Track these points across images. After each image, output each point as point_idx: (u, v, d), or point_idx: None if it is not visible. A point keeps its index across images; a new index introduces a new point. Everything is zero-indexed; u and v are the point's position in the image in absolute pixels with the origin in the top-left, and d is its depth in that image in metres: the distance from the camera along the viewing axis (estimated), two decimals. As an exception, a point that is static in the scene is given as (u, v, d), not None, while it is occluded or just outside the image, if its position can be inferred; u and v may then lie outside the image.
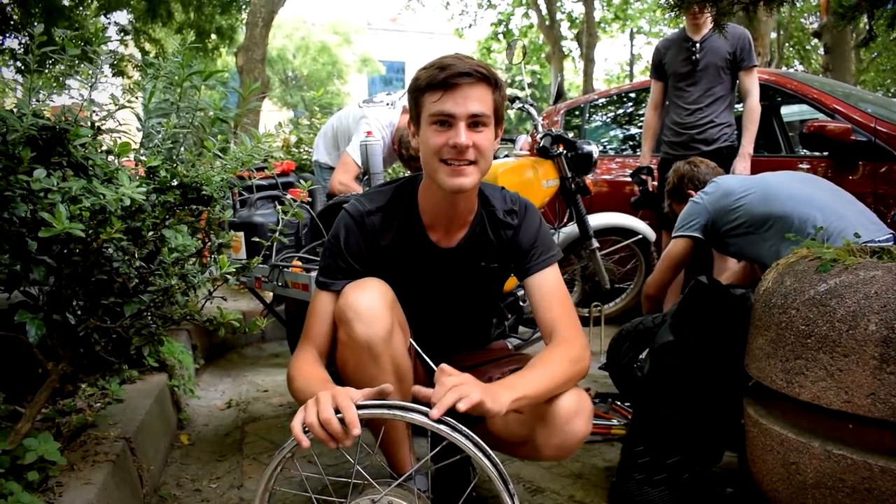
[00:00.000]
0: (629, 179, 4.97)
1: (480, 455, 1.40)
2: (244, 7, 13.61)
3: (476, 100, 1.74)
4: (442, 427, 1.40)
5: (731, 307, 2.11)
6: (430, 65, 1.79)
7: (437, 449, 1.48)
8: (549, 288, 1.95)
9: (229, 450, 2.79)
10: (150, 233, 1.96)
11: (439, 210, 1.94)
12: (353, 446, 1.42)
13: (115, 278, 1.93)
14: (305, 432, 1.39)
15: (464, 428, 1.42)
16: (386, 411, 1.43)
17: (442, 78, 1.73)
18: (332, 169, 4.80)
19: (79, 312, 1.99)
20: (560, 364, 1.76)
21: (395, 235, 1.96)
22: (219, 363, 4.30)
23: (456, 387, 1.45)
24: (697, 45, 4.42)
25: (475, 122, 1.75)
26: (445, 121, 1.75)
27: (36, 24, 1.85)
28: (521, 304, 3.34)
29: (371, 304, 1.79)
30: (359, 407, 1.40)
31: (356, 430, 1.36)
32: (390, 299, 1.85)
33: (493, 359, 2.18)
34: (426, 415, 1.41)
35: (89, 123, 1.86)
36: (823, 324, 1.59)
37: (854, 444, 1.56)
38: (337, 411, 1.39)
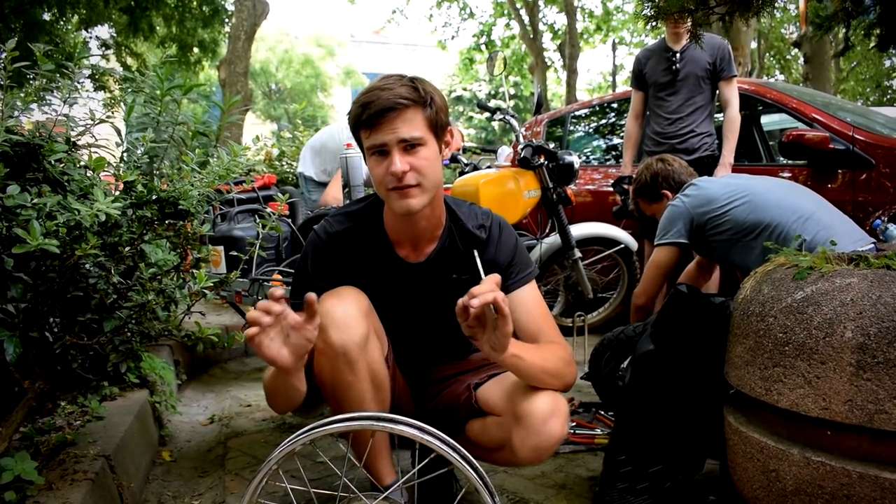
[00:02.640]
0: (611, 189, 4.99)
1: (465, 464, 1.41)
2: (226, 20, 13.60)
3: (404, 124, 1.75)
4: (428, 437, 1.41)
5: (710, 316, 2.11)
6: (357, 101, 1.80)
7: (424, 462, 1.48)
8: (529, 305, 1.97)
9: (211, 466, 2.76)
10: (128, 248, 1.95)
11: (402, 229, 1.96)
12: (340, 459, 1.43)
13: (91, 294, 1.92)
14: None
15: (448, 438, 1.42)
16: (367, 423, 1.43)
17: (365, 117, 1.75)
18: (316, 182, 4.81)
19: (55, 329, 1.97)
20: (553, 356, 1.83)
21: (363, 254, 1.97)
22: (202, 378, 4.27)
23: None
24: (678, 54, 4.45)
25: (409, 144, 1.77)
26: (381, 150, 1.77)
27: (16, 38, 1.83)
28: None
29: (346, 311, 1.80)
30: (342, 420, 1.43)
31: (278, 290, 1.46)
32: (366, 307, 1.86)
33: (473, 367, 2.18)
34: (419, 428, 1.43)
35: (64, 139, 1.85)
36: (800, 331, 1.60)
37: (832, 451, 1.57)
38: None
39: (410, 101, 1.76)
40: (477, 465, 1.42)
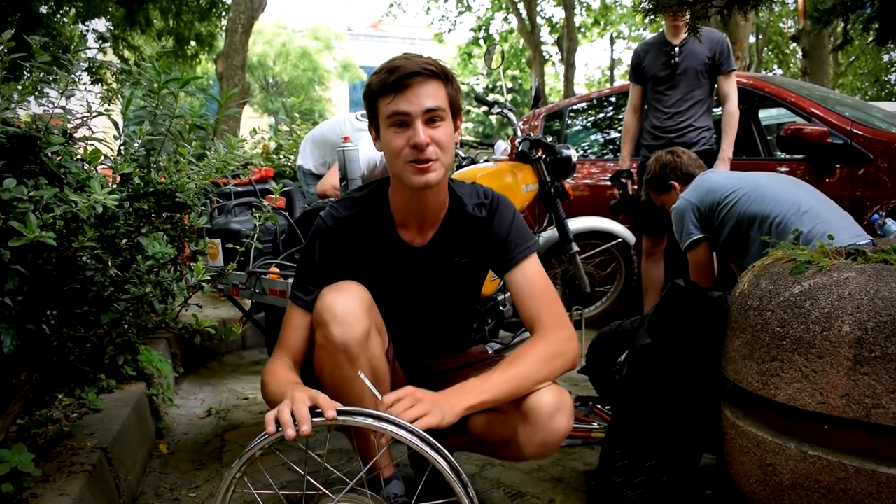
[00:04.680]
0: (609, 183, 4.98)
1: (434, 454, 1.41)
2: (224, 13, 13.56)
3: (429, 96, 1.76)
4: (387, 426, 1.41)
5: (708, 310, 2.11)
6: (381, 69, 1.80)
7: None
8: (528, 281, 1.94)
9: (209, 458, 2.76)
10: (125, 241, 1.94)
11: (409, 209, 1.94)
12: (309, 456, 1.42)
13: (88, 287, 1.91)
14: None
15: (415, 428, 1.43)
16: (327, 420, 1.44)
17: (392, 80, 1.74)
18: (314, 175, 4.81)
19: (53, 322, 1.96)
20: (530, 364, 1.78)
21: (368, 239, 1.96)
22: (199, 371, 4.27)
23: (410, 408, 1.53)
24: (677, 48, 4.43)
25: (431, 117, 1.76)
26: (402, 121, 1.76)
27: (12, 30, 1.82)
28: (500, 308, 3.35)
29: (348, 306, 1.80)
30: (314, 415, 1.42)
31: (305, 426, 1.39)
32: (367, 302, 1.86)
33: (472, 362, 2.18)
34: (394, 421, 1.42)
35: (61, 131, 1.85)
36: (798, 325, 1.60)
37: (829, 445, 1.57)
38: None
39: (436, 72, 1.77)
40: (445, 450, 1.42)
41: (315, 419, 1.40)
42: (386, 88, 1.76)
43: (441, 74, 1.79)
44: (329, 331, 1.77)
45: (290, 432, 1.37)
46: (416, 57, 1.79)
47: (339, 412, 1.42)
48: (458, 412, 1.61)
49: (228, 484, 1.45)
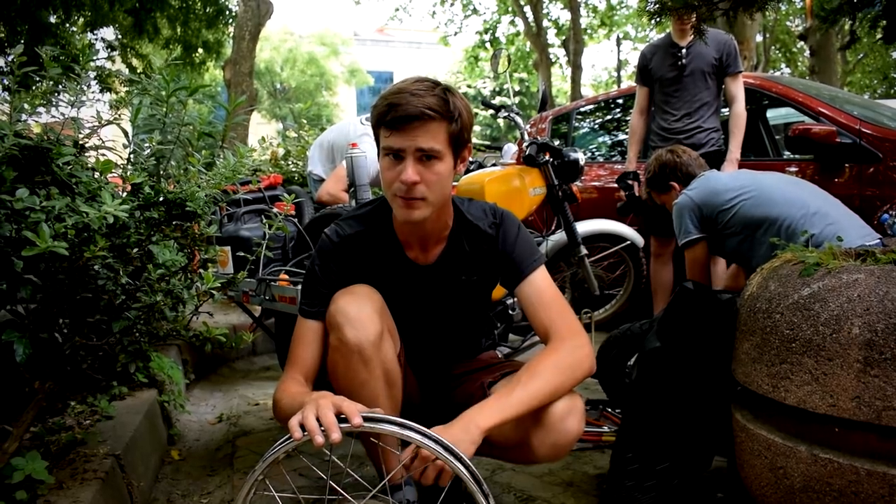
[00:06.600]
0: (616, 185, 4.98)
1: (457, 463, 1.41)
2: (230, 21, 13.60)
3: (426, 135, 1.73)
4: (412, 434, 1.41)
5: (717, 312, 2.11)
6: (385, 95, 1.78)
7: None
8: (538, 292, 1.95)
9: (220, 464, 2.78)
10: (136, 249, 1.96)
11: (410, 230, 1.95)
12: (329, 460, 1.42)
13: (100, 296, 1.93)
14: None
15: (439, 437, 1.43)
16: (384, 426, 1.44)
17: (389, 119, 1.73)
18: (324, 181, 4.83)
19: (65, 330, 1.98)
20: (550, 377, 1.76)
21: (374, 256, 1.98)
22: (210, 378, 4.28)
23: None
24: (684, 50, 4.43)
25: (425, 156, 1.75)
26: (397, 154, 1.75)
27: (22, 41, 1.84)
28: (510, 312, 3.35)
29: (361, 309, 1.81)
30: (339, 421, 1.42)
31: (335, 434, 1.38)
32: (380, 305, 1.87)
33: (483, 366, 2.18)
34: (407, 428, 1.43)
35: (72, 142, 1.86)
36: (807, 328, 1.60)
37: (840, 448, 1.57)
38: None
39: (437, 113, 1.73)
40: (464, 457, 1.43)
41: (341, 425, 1.41)
42: (384, 123, 1.75)
43: (443, 115, 1.74)
44: (343, 333, 1.78)
45: (320, 439, 1.37)
46: (422, 91, 1.73)
47: (365, 419, 1.43)
48: (477, 439, 1.61)
49: (250, 486, 1.45)
